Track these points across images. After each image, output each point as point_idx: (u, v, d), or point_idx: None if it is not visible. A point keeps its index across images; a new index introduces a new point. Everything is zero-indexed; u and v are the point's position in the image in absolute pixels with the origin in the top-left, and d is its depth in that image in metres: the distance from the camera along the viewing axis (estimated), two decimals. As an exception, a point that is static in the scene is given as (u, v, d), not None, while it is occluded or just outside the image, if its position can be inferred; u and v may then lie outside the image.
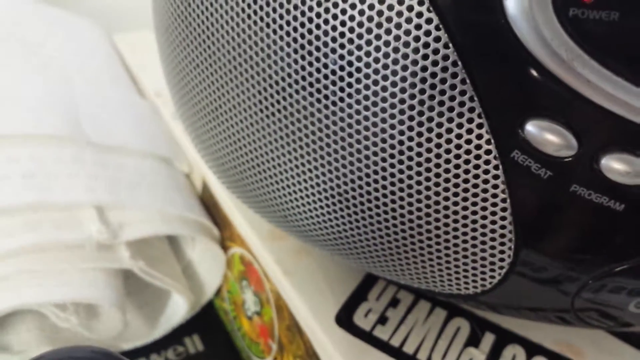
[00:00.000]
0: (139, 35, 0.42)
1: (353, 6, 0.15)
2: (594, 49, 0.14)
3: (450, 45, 0.15)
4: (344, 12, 0.15)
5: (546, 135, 0.15)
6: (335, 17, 0.16)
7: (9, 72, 0.29)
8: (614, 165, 0.15)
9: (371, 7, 0.15)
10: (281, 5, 0.16)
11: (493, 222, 0.17)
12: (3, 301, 0.22)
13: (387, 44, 0.15)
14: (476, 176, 0.16)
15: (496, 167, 0.16)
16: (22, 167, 0.24)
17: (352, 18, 0.15)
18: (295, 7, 0.16)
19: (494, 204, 0.17)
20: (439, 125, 0.16)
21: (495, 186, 0.16)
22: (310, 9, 0.16)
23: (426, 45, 0.15)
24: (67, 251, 0.24)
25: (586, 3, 0.14)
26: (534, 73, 0.15)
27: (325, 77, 0.16)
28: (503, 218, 0.17)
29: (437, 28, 0.15)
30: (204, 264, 0.32)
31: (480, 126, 0.16)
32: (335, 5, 0.15)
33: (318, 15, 0.16)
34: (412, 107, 0.16)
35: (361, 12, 0.15)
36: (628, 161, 0.15)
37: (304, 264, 0.27)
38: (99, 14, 0.44)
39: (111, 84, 0.34)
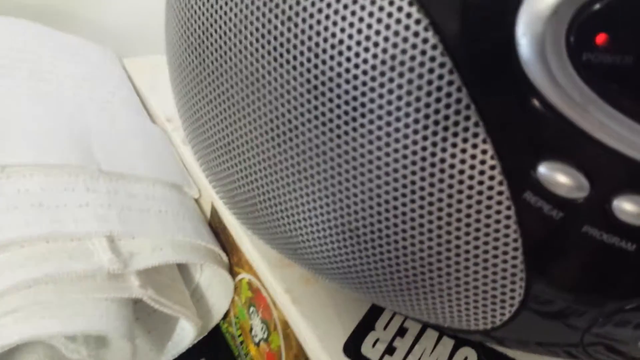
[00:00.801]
0: (150, 59, 0.42)
1: (366, 49, 0.15)
2: (608, 92, 0.14)
3: (463, 88, 0.15)
4: (357, 54, 0.16)
5: (558, 177, 0.15)
6: (348, 59, 0.16)
7: (19, 101, 0.29)
8: (626, 207, 0.15)
9: (384, 50, 0.15)
10: (295, 47, 0.16)
11: (504, 261, 0.17)
12: (16, 333, 0.22)
13: (400, 86, 0.15)
14: (488, 216, 0.16)
15: (508, 208, 0.16)
16: (31, 198, 0.24)
17: (365, 61, 0.16)
18: (309, 49, 0.16)
19: (506, 244, 0.17)
20: (452, 166, 0.16)
21: (507, 226, 0.16)
22: (324, 51, 0.16)
23: (439, 88, 0.15)
24: (78, 282, 0.24)
25: (600, 47, 0.14)
26: (547, 116, 0.15)
27: (338, 116, 0.17)
28: (514, 257, 0.17)
29: (450, 72, 0.15)
30: (212, 289, 0.32)
31: (492, 167, 0.16)
32: (349, 48, 0.16)
33: (332, 57, 0.16)
34: (424, 148, 0.16)
35: (374, 56, 0.15)
36: (639, 203, 0.15)
37: (312, 291, 0.27)
38: (111, 38, 0.45)
39: (122, 109, 0.34)
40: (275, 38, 0.17)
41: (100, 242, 0.25)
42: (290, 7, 0.16)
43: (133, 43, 0.44)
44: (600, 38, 0.14)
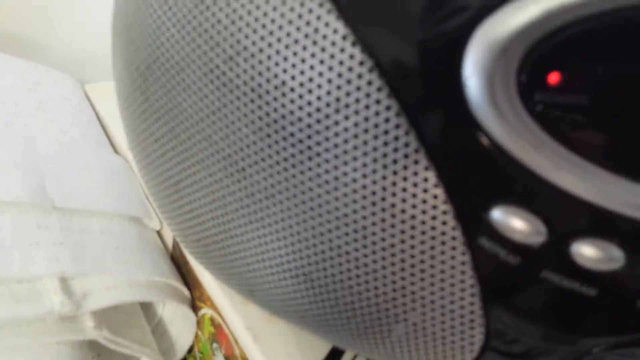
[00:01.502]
0: (112, 84, 0.41)
1: (310, 91, 0.15)
2: (561, 133, 0.14)
3: (411, 130, 0.14)
4: (301, 96, 0.15)
5: (513, 222, 0.15)
6: (292, 100, 0.15)
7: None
8: (585, 252, 0.15)
9: (328, 92, 0.14)
10: (238, 87, 0.16)
11: (461, 307, 0.16)
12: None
13: (346, 129, 0.15)
14: (442, 262, 0.16)
15: (463, 253, 0.15)
16: (-23, 239, 0.23)
17: (309, 103, 0.15)
18: (252, 90, 0.15)
19: (462, 289, 0.16)
20: (403, 211, 0.15)
21: (462, 272, 0.16)
22: (267, 92, 0.15)
23: (386, 132, 0.14)
24: (27, 326, 0.23)
25: (552, 87, 0.13)
26: (499, 158, 0.14)
27: (285, 159, 0.16)
28: (472, 303, 0.16)
29: (396, 114, 0.14)
30: (175, 324, 0.31)
31: (445, 212, 0.15)
32: (292, 89, 0.15)
33: (275, 98, 0.15)
34: (374, 192, 0.15)
35: (319, 98, 0.15)
36: (599, 247, 0.15)
37: (275, 328, 0.26)
38: (73, 63, 0.43)
39: (79, 139, 0.33)
40: (218, 77, 0.16)
41: (51, 282, 0.24)
42: (231, 46, 0.16)
43: (96, 67, 0.43)
44: (553, 77, 0.13)
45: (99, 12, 0.43)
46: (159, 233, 0.33)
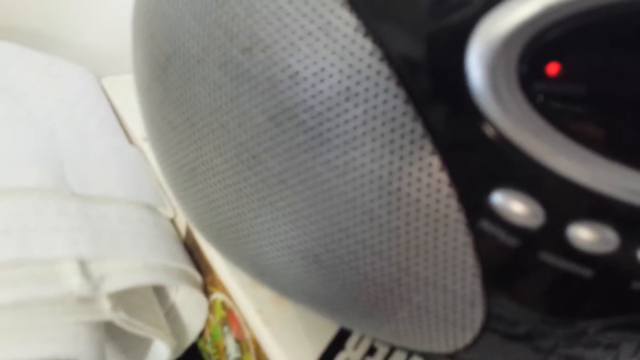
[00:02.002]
0: (128, 78, 0.42)
1: (322, 80, 0.16)
2: (560, 121, 0.15)
3: (417, 118, 0.15)
4: (313, 85, 0.16)
5: (513, 205, 0.15)
6: (305, 89, 0.16)
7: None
8: (581, 234, 0.16)
9: (339, 82, 0.15)
10: (254, 77, 0.17)
11: (463, 287, 0.17)
12: (-19, 360, 0.22)
13: (355, 117, 0.16)
14: (445, 243, 0.16)
15: (465, 235, 0.16)
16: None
17: (321, 92, 0.16)
18: (268, 79, 0.16)
19: (464, 270, 0.17)
20: (408, 194, 0.16)
21: (464, 253, 0.17)
22: (282, 81, 0.16)
23: (393, 119, 0.15)
24: (47, 306, 0.24)
25: (552, 77, 0.14)
26: (500, 145, 0.15)
27: (297, 145, 0.17)
28: (473, 283, 0.17)
29: (404, 102, 0.15)
30: (186, 308, 0.32)
31: (448, 196, 0.16)
32: (305, 79, 0.16)
33: (289, 87, 0.16)
34: (381, 177, 0.16)
35: (330, 87, 0.15)
36: (595, 230, 0.16)
37: (284, 311, 0.27)
38: (90, 57, 0.44)
39: (97, 130, 0.34)
40: (235, 68, 0.17)
41: (70, 265, 0.25)
42: (248, 38, 0.16)
43: (112, 62, 0.44)
44: (552, 68, 0.14)
45: (115, 11, 0.44)
46: (172, 221, 0.34)
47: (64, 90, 0.35)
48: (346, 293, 0.19)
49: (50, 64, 0.37)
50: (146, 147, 0.36)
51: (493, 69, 0.14)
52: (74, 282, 0.24)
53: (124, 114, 0.39)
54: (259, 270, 0.22)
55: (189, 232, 0.32)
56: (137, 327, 0.27)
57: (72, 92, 0.36)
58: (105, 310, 0.25)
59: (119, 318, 0.26)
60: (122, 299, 0.27)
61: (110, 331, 0.30)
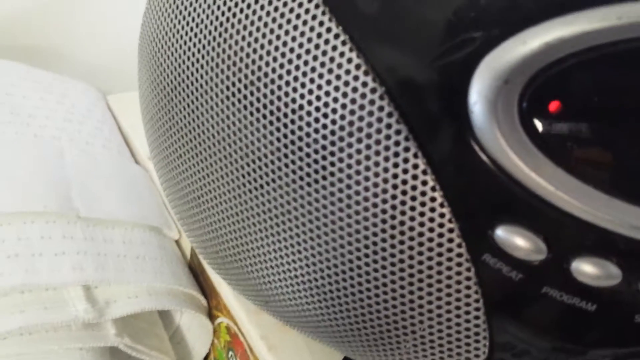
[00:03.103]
0: (134, 95, 0.42)
1: (325, 115, 0.16)
2: (561, 158, 0.15)
3: (419, 154, 0.15)
4: (317, 120, 0.16)
5: (515, 240, 0.15)
6: (308, 123, 0.16)
7: (0, 146, 0.29)
8: (584, 269, 0.16)
9: (342, 117, 0.15)
10: (258, 110, 0.17)
11: (467, 321, 0.17)
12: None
13: (358, 151, 0.16)
14: (449, 277, 0.17)
15: (468, 269, 0.16)
16: (7, 248, 0.24)
17: (325, 126, 0.16)
18: (272, 113, 0.17)
19: (467, 304, 0.17)
20: (411, 228, 0.16)
21: (467, 287, 0.17)
22: (285, 115, 0.16)
23: (396, 154, 0.15)
24: (53, 332, 0.24)
25: (553, 114, 0.14)
26: (502, 181, 0.15)
27: (300, 177, 0.17)
28: (476, 317, 0.17)
29: (406, 139, 0.15)
30: (191, 331, 0.32)
31: (451, 230, 0.16)
32: (309, 113, 0.16)
33: (293, 121, 0.16)
34: (384, 211, 0.16)
35: (333, 122, 0.16)
36: (597, 264, 0.16)
37: (289, 338, 0.27)
38: (96, 74, 0.45)
39: (103, 150, 0.34)
40: (239, 101, 0.17)
41: (75, 291, 0.25)
42: (253, 72, 0.17)
43: (118, 79, 0.44)
44: (552, 105, 0.14)
45: (120, 25, 0.44)
46: (177, 242, 0.34)
47: (70, 109, 0.36)
48: (350, 325, 0.19)
49: (56, 83, 0.38)
50: (151, 166, 0.36)
51: (494, 105, 0.14)
52: (80, 308, 0.24)
53: (130, 132, 0.39)
54: (264, 299, 0.22)
55: (193, 254, 0.33)
56: (141, 352, 0.27)
57: (78, 112, 0.36)
58: (111, 336, 0.25)
59: (124, 344, 0.26)
60: (127, 323, 0.27)
61: (115, 355, 0.30)
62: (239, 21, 0.17)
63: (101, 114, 0.39)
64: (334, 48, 0.15)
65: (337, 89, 0.15)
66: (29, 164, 0.29)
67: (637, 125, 0.14)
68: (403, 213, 0.16)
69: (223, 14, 0.17)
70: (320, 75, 0.15)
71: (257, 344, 0.27)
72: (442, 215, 0.16)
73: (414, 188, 0.16)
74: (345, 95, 0.15)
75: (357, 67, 0.15)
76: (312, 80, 0.16)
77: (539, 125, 0.14)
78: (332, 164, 0.16)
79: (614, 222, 0.15)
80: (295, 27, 0.16)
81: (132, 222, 0.30)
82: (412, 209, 0.16)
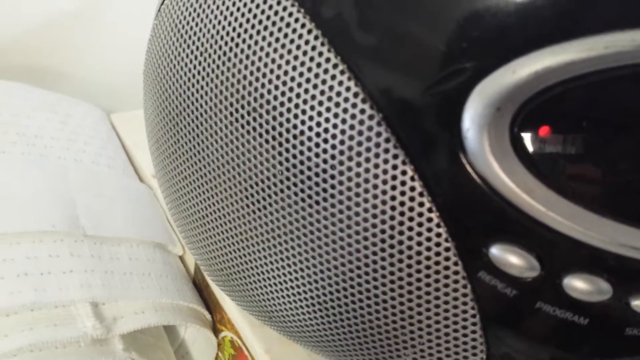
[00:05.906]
0: (138, 114, 0.43)
1: (325, 140, 0.16)
2: (552, 180, 0.15)
3: (416, 177, 0.16)
4: (317, 145, 0.17)
5: (509, 258, 0.16)
6: (309, 148, 0.17)
7: (6, 167, 0.30)
8: (576, 285, 0.16)
9: (342, 142, 0.16)
10: (261, 135, 0.17)
11: (464, 335, 0.18)
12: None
13: (358, 175, 0.16)
14: (446, 293, 0.17)
15: (464, 286, 0.17)
16: (16, 267, 0.25)
17: (325, 150, 0.16)
18: (274, 138, 0.17)
19: (464, 319, 0.18)
20: (409, 247, 0.17)
21: (464, 303, 0.17)
22: (287, 140, 0.17)
23: (394, 177, 0.16)
24: (62, 348, 0.24)
25: (542, 138, 0.15)
26: (496, 203, 0.16)
27: (302, 199, 0.17)
28: (473, 331, 0.18)
29: (402, 162, 0.16)
30: (196, 345, 0.33)
31: (447, 249, 0.16)
32: (310, 138, 0.17)
33: (294, 146, 0.17)
34: (383, 231, 0.17)
35: (333, 146, 0.16)
36: (588, 280, 0.16)
37: (292, 352, 0.28)
38: (99, 93, 0.46)
39: (107, 169, 0.35)
40: (243, 126, 0.18)
41: (84, 307, 0.26)
42: (255, 99, 0.17)
43: (121, 98, 0.45)
44: (542, 130, 0.15)
45: (124, 46, 0.45)
46: (181, 258, 0.35)
47: (74, 129, 0.36)
48: (352, 339, 0.20)
49: (60, 103, 0.39)
50: (155, 183, 0.37)
51: (486, 131, 0.15)
52: (88, 325, 0.25)
53: (133, 149, 0.40)
54: (267, 315, 0.22)
55: (197, 270, 0.33)
56: (148, 366, 0.28)
57: (82, 132, 0.37)
58: (118, 351, 0.26)
59: (131, 358, 0.27)
60: (134, 338, 0.28)
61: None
62: (242, 51, 0.17)
63: (105, 134, 0.40)
64: (333, 77, 0.16)
65: (336, 115, 0.16)
66: (36, 184, 0.30)
67: (623, 148, 0.15)
68: (401, 233, 0.17)
69: (226, 43, 0.18)
70: (320, 103, 0.16)
71: (261, 358, 0.27)
72: (438, 235, 0.16)
73: (411, 209, 0.16)
74: (344, 121, 0.16)
75: (355, 95, 0.16)
76: (312, 108, 0.16)
77: (529, 149, 0.15)
78: (333, 186, 0.17)
79: (604, 240, 0.15)
80: (296, 57, 0.16)
81: (137, 240, 0.31)
82: (410, 229, 0.16)
